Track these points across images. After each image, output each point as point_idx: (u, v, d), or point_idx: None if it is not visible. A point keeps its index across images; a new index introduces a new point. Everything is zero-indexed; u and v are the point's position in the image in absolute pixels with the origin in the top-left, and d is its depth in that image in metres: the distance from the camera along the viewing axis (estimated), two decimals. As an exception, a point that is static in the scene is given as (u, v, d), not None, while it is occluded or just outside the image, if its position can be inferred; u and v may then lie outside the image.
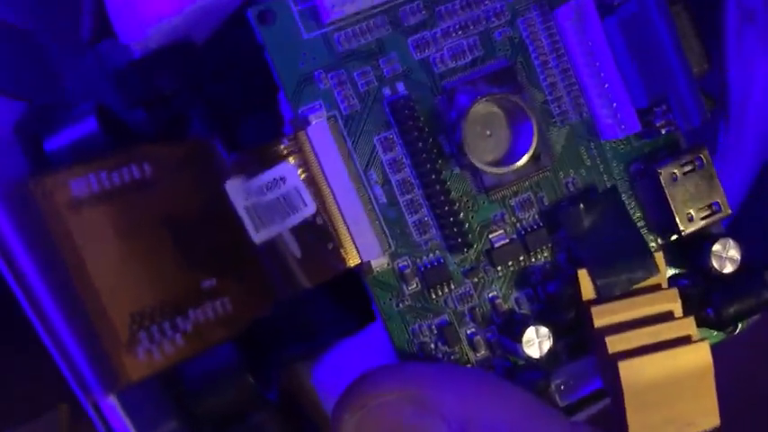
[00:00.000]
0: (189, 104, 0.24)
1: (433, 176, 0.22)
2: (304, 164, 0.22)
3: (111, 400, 0.15)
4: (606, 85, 0.23)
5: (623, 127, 0.23)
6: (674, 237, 0.24)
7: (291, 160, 0.21)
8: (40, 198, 0.15)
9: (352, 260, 0.22)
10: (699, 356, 0.22)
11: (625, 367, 0.22)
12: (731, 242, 0.24)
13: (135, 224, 0.16)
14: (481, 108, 0.22)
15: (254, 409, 0.20)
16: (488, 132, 0.23)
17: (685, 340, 0.22)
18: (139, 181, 0.16)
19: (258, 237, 0.19)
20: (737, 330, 0.25)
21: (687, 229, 0.24)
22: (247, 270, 0.18)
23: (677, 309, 0.23)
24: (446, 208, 0.23)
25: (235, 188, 0.19)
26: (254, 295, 0.18)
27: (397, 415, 0.19)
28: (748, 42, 0.26)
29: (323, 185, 0.22)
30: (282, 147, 0.21)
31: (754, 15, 0.26)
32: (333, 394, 0.24)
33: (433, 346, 0.23)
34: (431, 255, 0.23)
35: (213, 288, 0.17)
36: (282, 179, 0.21)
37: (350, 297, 0.25)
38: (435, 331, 0.23)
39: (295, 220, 0.21)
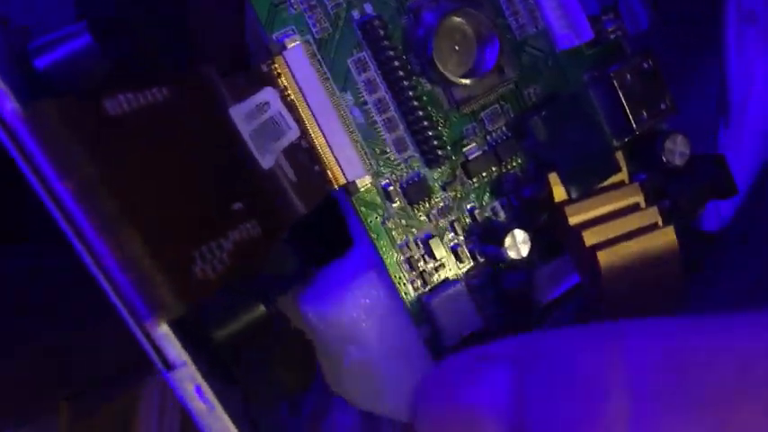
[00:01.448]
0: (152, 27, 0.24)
1: (408, 93, 0.23)
2: (284, 88, 0.22)
3: (164, 327, 0.15)
4: (559, -4, 0.24)
5: (578, 35, 0.25)
6: (629, 137, 0.26)
7: (272, 85, 0.22)
8: (73, 117, 0.15)
9: (339, 181, 0.23)
10: (666, 240, 0.24)
11: (603, 256, 0.23)
12: (680, 137, 0.26)
13: (164, 146, 0.16)
14: (448, 24, 0.23)
15: (264, 334, 0.20)
16: (456, 47, 0.24)
17: (652, 227, 0.24)
18: (162, 103, 0.16)
19: (266, 162, 0.19)
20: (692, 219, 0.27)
21: (640, 127, 0.25)
22: (261, 195, 0.18)
23: (641, 200, 0.25)
24: (422, 123, 0.23)
25: (238, 114, 0.19)
26: (272, 220, 0.18)
27: None
28: (748, 42, 0.27)
29: (304, 109, 0.22)
30: (263, 72, 0.21)
31: (755, 15, 0.27)
32: (320, 323, 0.24)
33: (420, 260, 0.24)
34: (410, 171, 0.24)
35: (242, 211, 0.17)
36: (267, 103, 0.21)
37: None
38: (421, 245, 0.24)
39: (284, 143, 0.21)
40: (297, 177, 0.21)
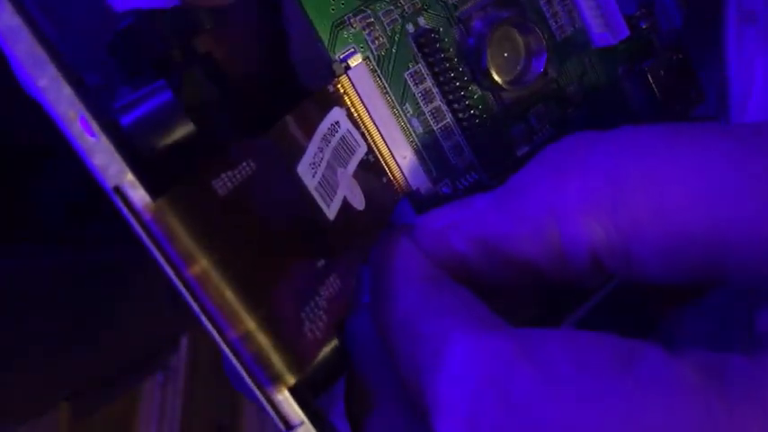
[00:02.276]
0: (187, 66, 0.24)
1: (463, 102, 0.24)
2: (351, 106, 0.23)
3: (285, 393, 0.16)
4: (597, -3, 0.25)
5: (614, 34, 0.26)
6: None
7: (339, 104, 0.22)
8: (196, 206, 0.15)
9: (404, 189, 0.24)
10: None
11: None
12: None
13: (261, 218, 0.17)
14: (499, 32, 0.24)
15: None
16: (505, 54, 0.25)
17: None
18: (250, 177, 0.17)
19: (330, 212, 0.19)
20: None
21: (672, 117, 0.27)
22: (335, 248, 0.19)
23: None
24: (477, 130, 0.25)
25: (304, 169, 0.19)
26: (347, 270, 0.19)
27: None
28: (748, 42, 0.28)
29: (369, 124, 0.23)
30: (329, 92, 0.22)
31: (755, 15, 0.28)
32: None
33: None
34: (468, 176, 0.25)
35: (324, 267, 0.18)
36: (338, 123, 0.22)
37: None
38: (479, 243, 0.25)
39: (355, 162, 0.22)
40: (366, 199, 0.22)
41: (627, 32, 0.26)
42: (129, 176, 0.15)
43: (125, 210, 0.15)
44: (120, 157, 0.15)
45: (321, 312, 0.17)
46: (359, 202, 0.21)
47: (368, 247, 0.21)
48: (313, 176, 0.19)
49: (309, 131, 0.20)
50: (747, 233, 0.15)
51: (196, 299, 0.15)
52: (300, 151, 0.19)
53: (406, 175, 0.24)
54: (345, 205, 0.20)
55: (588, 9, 0.26)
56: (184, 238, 0.15)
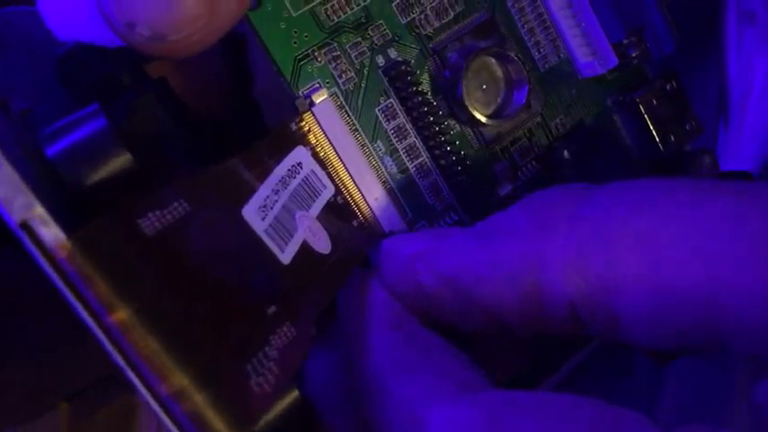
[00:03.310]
0: (144, 91, 0.23)
1: (440, 138, 0.23)
2: (316, 145, 0.21)
3: None
4: (582, 24, 0.24)
5: (602, 63, 0.24)
6: (657, 158, 0.26)
7: (302, 143, 0.21)
8: (115, 245, 0.14)
9: (376, 234, 0.22)
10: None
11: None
12: (707, 157, 0.26)
13: (195, 263, 0.15)
14: (476, 63, 0.23)
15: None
16: (483, 86, 0.23)
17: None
18: (182, 218, 0.15)
19: (285, 256, 0.18)
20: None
21: (668, 149, 0.25)
22: (289, 293, 0.18)
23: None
24: (455, 167, 0.23)
25: (251, 212, 0.18)
26: (303, 317, 0.18)
27: None
28: (748, 42, 0.27)
29: (337, 164, 0.21)
30: (291, 131, 0.21)
31: (754, 16, 0.27)
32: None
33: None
34: (446, 217, 0.23)
35: (276, 314, 0.16)
36: (300, 164, 0.20)
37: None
38: (460, 289, 0.23)
39: (319, 204, 0.21)
40: (333, 243, 0.20)
41: (615, 61, 0.24)
42: (39, 210, 0.13)
43: (33, 248, 0.13)
44: (28, 189, 0.13)
45: (271, 364, 0.15)
46: (323, 246, 0.19)
47: (334, 292, 0.19)
48: (263, 219, 0.18)
49: (263, 173, 0.19)
50: (748, 296, 0.14)
51: (119, 350, 0.14)
52: (248, 193, 0.18)
53: (379, 217, 0.22)
54: (305, 249, 0.19)
55: (573, 37, 0.24)
56: (104, 281, 0.13)
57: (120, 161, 0.18)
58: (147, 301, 0.14)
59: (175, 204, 0.15)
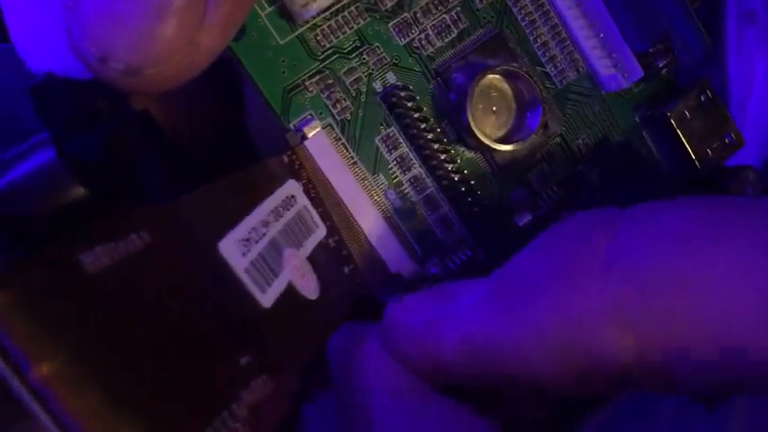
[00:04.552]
0: (121, 121, 0.21)
1: (447, 167, 0.21)
2: (308, 182, 0.19)
3: None
4: (601, 35, 0.22)
5: (625, 75, 0.22)
6: (694, 177, 0.23)
7: (295, 178, 0.19)
8: (49, 284, 0.12)
9: (374, 279, 0.20)
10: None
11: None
12: (751, 172, 0.23)
13: (151, 305, 0.13)
14: (483, 84, 0.21)
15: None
16: (493, 108, 0.21)
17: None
18: (139, 253, 0.13)
19: (266, 298, 0.16)
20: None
21: (705, 167, 0.23)
22: (267, 341, 0.16)
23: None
24: (467, 199, 0.21)
25: (230, 246, 0.16)
26: (289, 366, 0.16)
27: None
28: (748, 42, 0.26)
29: (331, 202, 0.20)
30: (284, 164, 0.19)
31: (754, 15, 0.26)
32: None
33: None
34: (458, 252, 0.21)
35: (250, 365, 0.14)
36: (293, 197, 0.19)
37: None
38: (479, 330, 0.21)
39: (311, 244, 0.19)
40: (321, 288, 0.18)
41: (640, 73, 0.22)
42: None
43: None
44: None
45: (238, 425, 0.13)
46: (311, 290, 0.17)
47: (320, 343, 0.17)
48: (244, 255, 0.16)
49: (249, 203, 0.17)
50: None
51: (46, 409, 0.12)
52: (228, 225, 0.16)
53: (385, 257, 0.20)
54: (291, 292, 0.17)
55: (592, 49, 0.22)
56: (28, 328, 0.11)
57: (70, 194, 0.16)
58: (80, 350, 0.12)
59: (132, 237, 0.13)
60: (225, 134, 0.22)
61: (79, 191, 0.16)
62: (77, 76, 0.19)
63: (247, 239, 0.16)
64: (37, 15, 0.19)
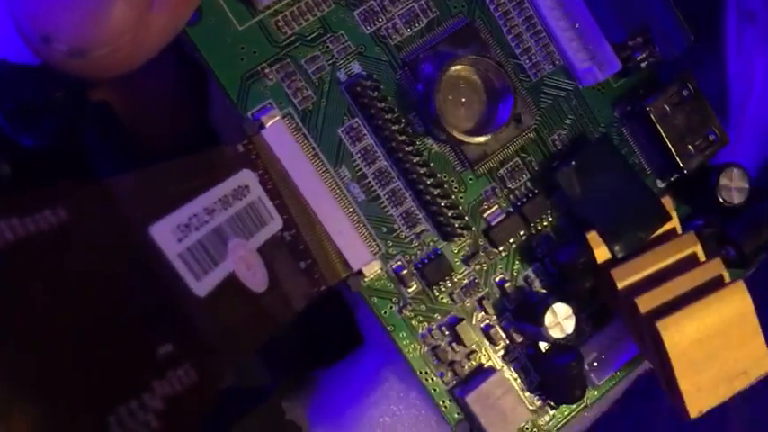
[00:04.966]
0: (76, 110, 0.20)
1: (413, 159, 0.20)
2: (264, 172, 0.19)
3: None
4: (577, 26, 0.21)
5: (602, 68, 0.21)
6: (676, 176, 0.22)
7: (251, 168, 0.18)
8: None
9: (334, 275, 0.19)
10: (737, 298, 0.20)
11: (664, 326, 0.20)
12: (735, 171, 0.22)
13: (60, 284, 0.13)
14: (451, 74, 0.20)
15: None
16: (462, 99, 0.20)
17: (717, 284, 0.20)
18: (56, 230, 0.13)
19: (201, 287, 0.15)
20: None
21: (688, 165, 0.22)
22: (196, 329, 0.15)
23: (699, 252, 0.21)
24: (434, 192, 0.20)
25: (163, 230, 0.15)
26: (213, 358, 0.15)
27: None
28: (748, 42, 0.26)
29: (289, 193, 0.19)
30: (239, 152, 0.18)
31: (754, 15, 0.26)
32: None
33: (447, 348, 0.20)
34: (425, 248, 0.20)
35: (171, 354, 0.13)
36: (247, 187, 0.18)
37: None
38: (447, 332, 0.20)
39: (264, 236, 0.18)
40: (271, 282, 0.17)
41: (618, 65, 0.21)
42: None
43: None
44: None
45: (150, 416, 0.12)
46: (258, 283, 0.17)
47: (261, 338, 0.16)
48: (179, 241, 0.15)
49: (192, 190, 0.16)
50: None
51: None
52: (167, 210, 0.15)
53: (346, 254, 0.19)
54: (233, 283, 0.16)
55: (567, 41, 0.21)
56: None
57: None
58: None
59: (46, 212, 0.12)
60: (187, 123, 0.21)
61: (4, 169, 0.16)
62: (31, 63, 0.18)
63: (186, 225, 0.15)
64: (-12, -2, 0.18)
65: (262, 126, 0.19)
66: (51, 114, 0.19)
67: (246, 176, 0.18)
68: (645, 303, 0.20)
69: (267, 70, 0.19)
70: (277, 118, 0.19)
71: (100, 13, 0.15)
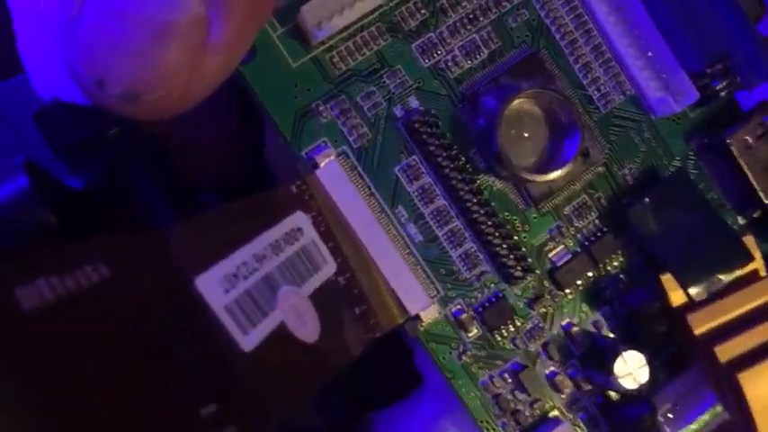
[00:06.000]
0: (126, 151, 0.20)
1: (473, 198, 0.19)
2: (318, 214, 0.18)
3: None
4: (649, 54, 0.20)
5: (678, 98, 0.20)
6: (758, 212, 0.21)
7: (304, 210, 0.18)
8: None
9: (390, 321, 0.18)
10: (828, 349, 0.18)
11: (746, 378, 0.18)
12: (825, 206, 0.20)
13: (101, 345, 0.12)
14: (514, 108, 0.19)
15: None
16: (526, 134, 0.19)
17: (806, 332, 0.19)
18: (94, 287, 0.12)
19: (248, 341, 0.14)
20: None
21: (772, 201, 0.20)
22: (242, 389, 0.14)
23: (786, 296, 0.19)
24: (495, 232, 0.19)
25: (210, 281, 0.14)
26: (259, 420, 0.14)
27: None
28: None
29: (344, 236, 0.18)
30: (293, 193, 0.18)
31: None
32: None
33: (510, 396, 0.19)
34: (486, 291, 0.19)
35: (214, 415, 0.13)
36: (299, 230, 0.17)
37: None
38: (510, 379, 0.19)
39: (316, 282, 0.17)
40: (323, 331, 0.16)
41: (695, 95, 0.20)
42: None
43: None
44: None
45: None
46: (309, 333, 0.16)
47: (312, 391, 0.15)
48: (226, 292, 0.14)
49: (245, 235, 0.15)
50: None
51: None
52: (215, 258, 0.14)
53: (402, 298, 0.18)
54: (282, 334, 0.15)
55: (640, 70, 0.20)
56: None
57: (38, 223, 0.15)
58: (4, 396, 0.11)
59: (87, 268, 0.12)
60: (242, 160, 0.21)
61: (51, 220, 0.15)
62: (83, 103, 0.18)
63: (234, 275, 0.15)
64: (42, 39, 0.18)
65: (316, 165, 0.18)
66: (102, 152, 0.19)
67: (299, 219, 0.17)
68: (725, 353, 0.19)
69: (321, 107, 0.18)
70: (332, 157, 0.18)
71: (154, 57, 0.15)
